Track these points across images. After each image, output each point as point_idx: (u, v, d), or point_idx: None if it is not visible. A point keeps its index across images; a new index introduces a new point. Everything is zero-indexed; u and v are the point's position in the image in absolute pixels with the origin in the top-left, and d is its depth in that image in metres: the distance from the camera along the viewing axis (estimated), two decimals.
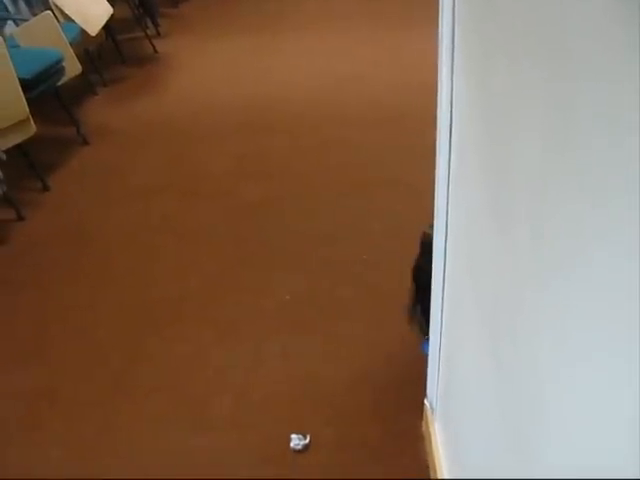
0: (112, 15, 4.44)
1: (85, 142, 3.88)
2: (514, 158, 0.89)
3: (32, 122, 3.24)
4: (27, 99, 3.17)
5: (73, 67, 3.80)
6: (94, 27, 4.17)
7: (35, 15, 3.86)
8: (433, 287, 1.60)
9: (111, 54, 5.09)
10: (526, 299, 0.87)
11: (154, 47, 5.29)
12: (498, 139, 0.99)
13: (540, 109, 0.76)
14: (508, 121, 0.92)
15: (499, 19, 0.94)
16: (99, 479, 1.90)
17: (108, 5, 4.38)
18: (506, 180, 0.95)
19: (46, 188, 3.44)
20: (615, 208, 0.57)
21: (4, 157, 2.99)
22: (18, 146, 3.22)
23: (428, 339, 1.74)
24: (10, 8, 4.34)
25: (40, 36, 3.64)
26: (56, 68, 3.57)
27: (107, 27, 4.58)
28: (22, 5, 4.67)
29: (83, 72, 4.00)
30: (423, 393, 1.88)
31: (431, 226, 1.59)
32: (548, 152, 0.74)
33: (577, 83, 0.64)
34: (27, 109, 3.17)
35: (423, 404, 1.90)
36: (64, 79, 3.71)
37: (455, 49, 1.26)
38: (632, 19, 0.49)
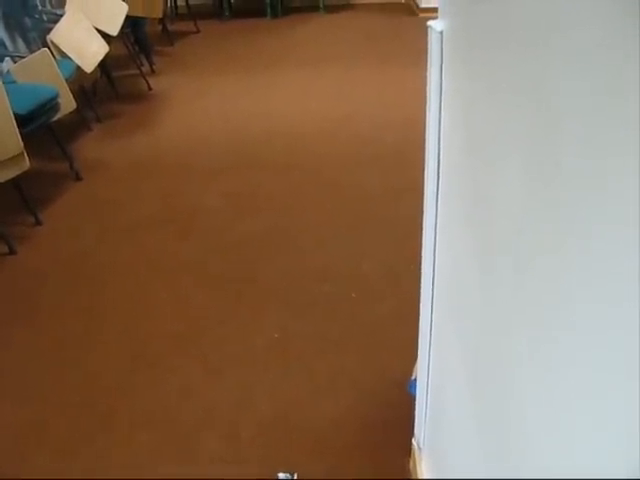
0: (108, 52, 4.50)
1: (78, 177, 3.91)
2: (497, 196, 0.92)
3: (26, 157, 3.27)
4: (22, 134, 3.20)
5: (68, 103, 3.84)
6: (90, 64, 4.23)
7: (32, 52, 3.92)
8: (421, 329, 1.62)
9: (106, 91, 5.15)
10: (508, 339, 0.89)
11: (148, 84, 5.35)
12: (481, 177, 1.02)
13: (523, 148, 0.79)
14: (491, 159, 0.95)
15: (485, 57, 0.97)
16: None
17: (104, 43, 4.44)
18: (489, 218, 0.98)
19: (38, 222, 3.46)
20: (599, 249, 0.59)
21: None
22: (11, 180, 3.24)
23: (415, 379, 1.76)
24: (8, 45, 4.40)
25: (37, 73, 3.69)
26: (51, 104, 3.61)
27: (102, 64, 4.64)
28: (20, 42, 4.74)
29: (78, 108, 4.04)
30: (411, 432, 1.89)
31: None
32: (531, 191, 0.76)
33: (560, 121, 0.66)
34: (21, 144, 3.20)
35: (411, 443, 1.91)
36: (59, 115, 3.76)
37: (443, 86, 1.30)
38: (617, 54, 0.51)
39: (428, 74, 1.36)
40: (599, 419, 0.61)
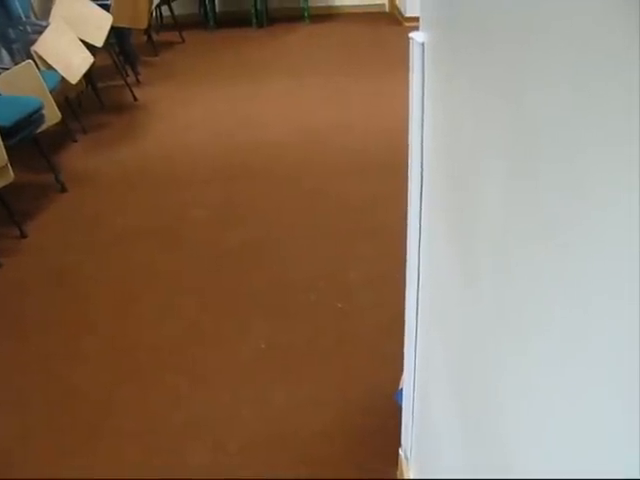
0: (93, 63, 4.49)
1: (63, 189, 3.90)
2: (479, 202, 0.92)
3: (10, 169, 3.25)
4: (6, 146, 3.18)
5: (53, 115, 3.82)
6: (75, 75, 4.21)
7: (17, 63, 3.91)
8: (406, 339, 1.62)
9: (91, 102, 5.14)
10: (493, 347, 0.89)
11: (134, 95, 5.35)
12: (463, 184, 1.03)
13: (505, 154, 0.79)
14: (473, 166, 0.96)
15: (467, 65, 0.98)
16: None
17: (89, 54, 4.43)
18: (472, 224, 0.98)
19: (23, 235, 3.43)
20: (581, 254, 0.59)
21: None
22: None
23: (402, 389, 1.76)
24: None
25: (21, 84, 3.67)
26: (36, 116, 3.60)
27: (88, 75, 4.63)
28: (4, 54, 4.72)
29: (63, 119, 4.02)
30: (398, 442, 1.89)
31: None
32: (512, 196, 0.77)
33: (541, 126, 0.66)
34: (5, 156, 3.19)
35: (398, 453, 1.90)
36: (43, 127, 3.74)
37: (425, 96, 1.31)
38: (599, 55, 0.52)
39: (410, 84, 1.37)
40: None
